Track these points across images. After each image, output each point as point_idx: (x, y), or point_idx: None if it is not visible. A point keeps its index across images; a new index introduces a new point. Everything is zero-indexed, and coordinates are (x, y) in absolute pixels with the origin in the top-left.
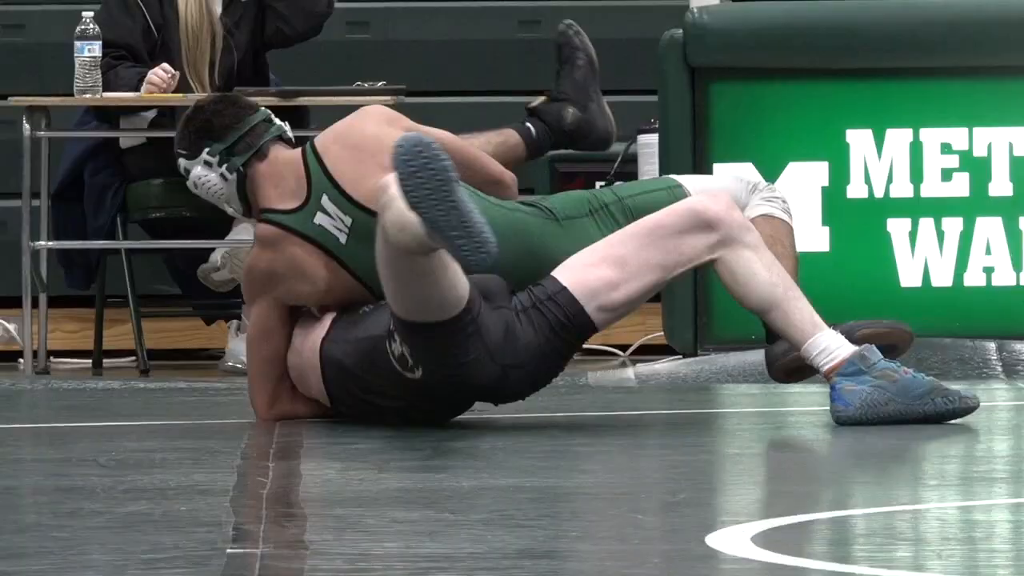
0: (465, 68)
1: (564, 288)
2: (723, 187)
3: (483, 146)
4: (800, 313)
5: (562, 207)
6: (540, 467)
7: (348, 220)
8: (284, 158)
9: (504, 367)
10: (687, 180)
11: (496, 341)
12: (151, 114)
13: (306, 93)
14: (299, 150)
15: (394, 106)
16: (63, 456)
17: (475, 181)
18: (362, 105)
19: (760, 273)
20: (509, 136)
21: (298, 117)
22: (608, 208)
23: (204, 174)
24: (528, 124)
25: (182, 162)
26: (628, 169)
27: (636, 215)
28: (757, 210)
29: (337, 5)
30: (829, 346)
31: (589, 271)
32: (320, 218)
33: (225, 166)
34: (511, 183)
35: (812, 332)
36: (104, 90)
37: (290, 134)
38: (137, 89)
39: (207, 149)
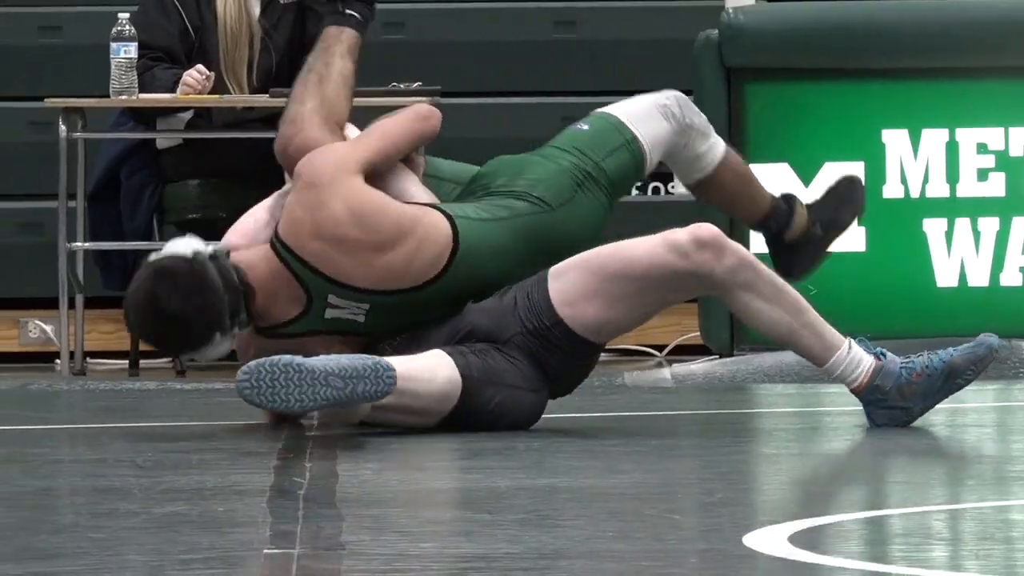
0: (500, 69)
1: (562, 321)
2: (646, 111)
3: None
4: (810, 340)
5: (554, 194)
6: (576, 467)
7: (365, 305)
8: (263, 274)
9: (536, 391)
10: (619, 112)
11: (518, 377)
12: (188, 115)
13: None
14: (272, 258)
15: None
16: (100, 457)
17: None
18: (399, 107)
19: (763, 312)
20: None
21: None
22: (592, 178)
23: (227, 345)
24: None
25: (200, 350)
26: (664, 169)
27: (616, 184)
28: (716, 154)
29: None
30: (845, 370)
31: (587, 307)
32: (332, 312)
33: (237, 326)
34: (418, 167)
35: (826, 357)
36: (141, 91)
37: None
38: (173, 90)
39: (218, 333)
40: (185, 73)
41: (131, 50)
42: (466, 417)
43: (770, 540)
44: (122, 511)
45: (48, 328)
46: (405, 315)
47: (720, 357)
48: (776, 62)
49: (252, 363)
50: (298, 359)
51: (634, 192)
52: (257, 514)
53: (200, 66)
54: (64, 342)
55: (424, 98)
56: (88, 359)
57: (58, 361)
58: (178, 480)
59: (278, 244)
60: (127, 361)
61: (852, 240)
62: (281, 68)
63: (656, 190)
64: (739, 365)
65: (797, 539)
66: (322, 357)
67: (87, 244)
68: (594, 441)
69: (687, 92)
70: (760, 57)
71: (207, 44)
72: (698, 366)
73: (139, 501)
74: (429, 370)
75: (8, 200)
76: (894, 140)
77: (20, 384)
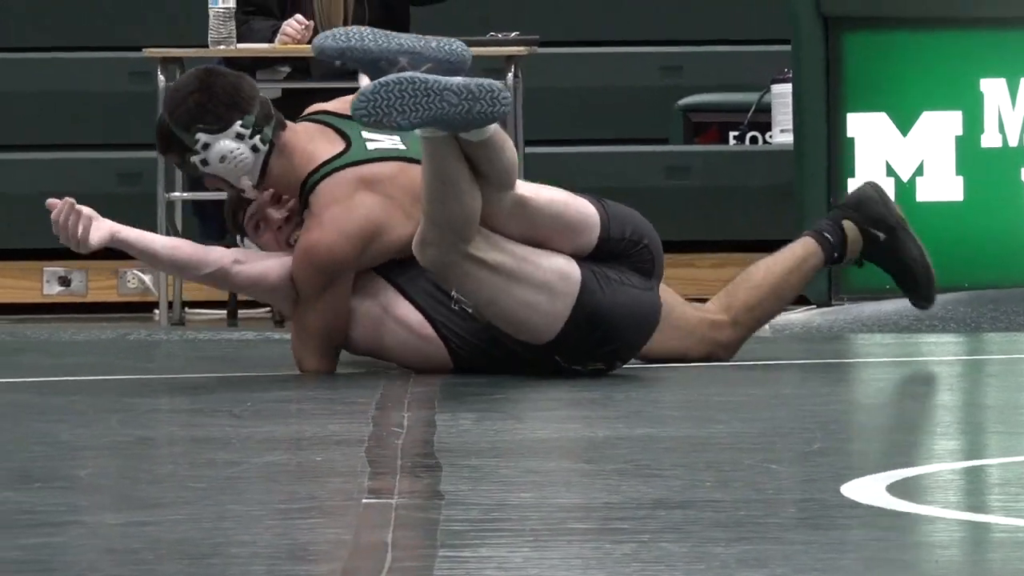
0: (597, 18)
1: None
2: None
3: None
4: None
5: None
6: (674, 417)
7: (397, 136)
8: (299, 126)
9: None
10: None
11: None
12: (285, 70)
13: None
14: (304, 123)
15: (527, 56)
16: (198, 407)
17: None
18: (495, 56)
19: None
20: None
21: None
22: None
23: (235, 147)
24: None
25: (202, 137)
26: (762, 119)
27: None
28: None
29: None
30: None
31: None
32: (372, 144)
33: (258, 137)
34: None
35: None
36: (239, 43)
37: None
38: (271, 41)
39: (239, 122)
40: (285, 23)
41: (229, 1)
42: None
43: (868, 490)
44: (221, 461)
45: (146, 278)
46: None
47: (818, 307)
48: (874, 11)
49: (369, 85)
50: (418, 74)
51: (732, 141)
52: (355, 463)
53: (299, 16)
54: (162, 292)
55: (522, 48)
56: (186, 309)
57: (156, 311)
58: (276, 430)
59: (303, 117)
60: (225, 311)
61: (950, 189)
62: (375, 19)
63: (754, 140)
64: (837, 315)
65: (895, 488)
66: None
67: (185, 194)
68: (692, 391)
69: (784, 42)
70: (858, 6)
71: (293, 6)
72: (797, 316)
73: (237, 451)
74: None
75: (108, 150)
76: (992, 89)
77: (119, 334)
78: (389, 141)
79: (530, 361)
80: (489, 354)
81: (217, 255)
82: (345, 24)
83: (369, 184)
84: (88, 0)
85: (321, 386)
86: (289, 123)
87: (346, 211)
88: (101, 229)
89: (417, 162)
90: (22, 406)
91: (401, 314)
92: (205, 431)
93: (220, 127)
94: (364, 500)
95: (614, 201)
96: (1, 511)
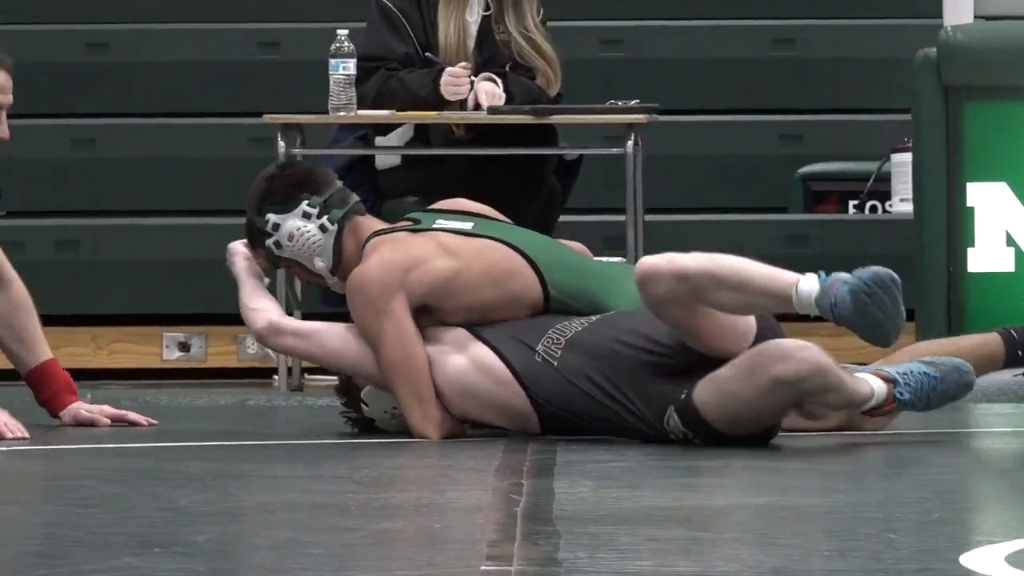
0: (718, 86)
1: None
2: None
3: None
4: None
5: None
6: (793, 485)
7: (470, 224)
8: (372, 218)
9: None
10: None
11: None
12: (408, 134)
13: (558, 111)
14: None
15: (647, 124)
16: (317, 473)
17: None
18: (615, 123)
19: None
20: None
21: (547, 136)
22: None
23: (302, 225)
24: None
25: (271, 217)
26: (882, 188)
27: None
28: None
29: (591, 24)
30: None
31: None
32: (440, 224)
33: (326, 217)
34: None
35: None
36: (387, 100)
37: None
38: (434, 88)
39: (306, 201)
40: (447, 69)
41: (349, 67)
42: None
43: (987, 560)
44: (339, 527)
45: None
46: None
47: None
48: (995, 80)
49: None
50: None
51: (851, 210)
52: (474, 530)
53: (464, 63)
54: (282, 358)
55: (642, 115)
56: (305, 375)
57: (276, 377)
58: (394, 496)
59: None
60: (336, 370)
61: None
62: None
63: (874, 208)
64: None
65: (1014, 559)
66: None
67: None
68: (810, 459)
69: (905, 111)
70: (978, 75)
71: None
72: None
73: (356, 517)
74: None
75: (228, 216)
76: None
77: (238, 400)
78: (458, 224)
79: (614, 419)
80: (569, 406)
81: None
82: (463, 101)
83: (421, 232)
84: (209, 67)
85: (439, 453)
86: (366, 213)
87: (391, 245)
88: (238, 254)
89: (478, 235)
90: (141, 471)
91: (484, 362)
92: (323, 497)
93: (288, 206)
94: (483, 567)
95: None
96: None
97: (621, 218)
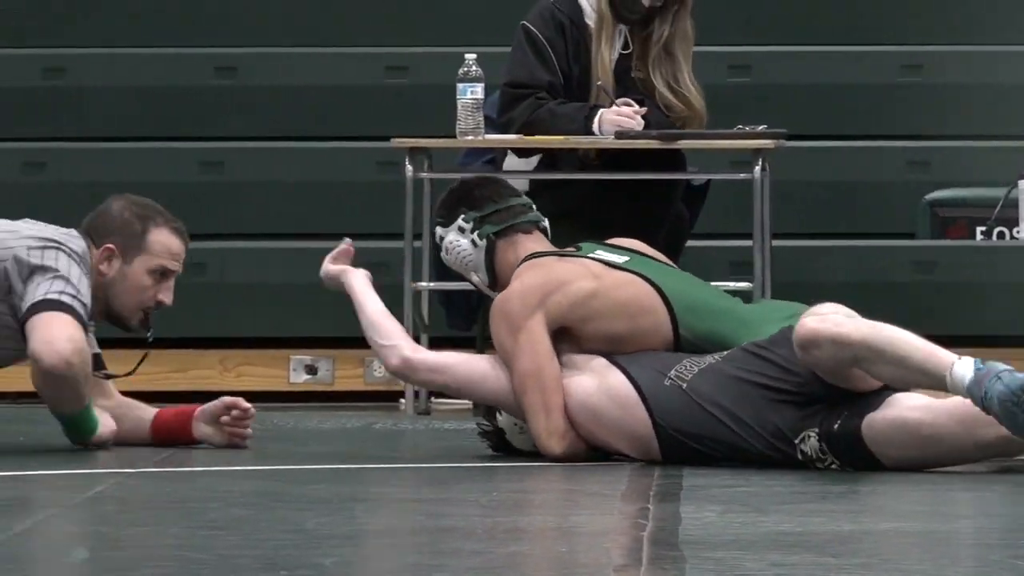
0: (845, 112)
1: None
2: None
3: None
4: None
5: None
6: (920, 512)
7: (625, 258)
8: (536, 233)
9: None
10: None
11: None
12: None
13: (686, 136)
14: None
15: (775, 149)
16: (443, 496)
17: None
18: (743, 149)
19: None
20: None
21: (675, 161)
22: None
23: (456, 240)
24: None
25: (438, 230)
26: (1009, 215)
27: None
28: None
29: (720, 49)
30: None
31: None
32: (598, 254)
33: (476, 233)
34: None
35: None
36: (537, 128)
37: (545, 224)
38: (586, 127)
39: (462, 216)
40: (610, 111)
41: (477, 91)
42: None
43: None
44: (465, 551)
45: None
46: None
47: None
48: None
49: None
50: None
51: (979, 236)
52: (600, 555)
53: (628, 99)
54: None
55: (769, 141)
56: (432, 399)
57: (403, 400)
58: (521, 520)
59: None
60: (471, 401)
61: None
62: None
63: (1001, 235)
64: None
65: None
66: None
67: (432, 284)
68: (936, 486)
69: None
70: None
71: (571, 96)
72: None
73: (482, 541)
74: None
75: (355, 240)
76: None
77: (365, 423)
78: (614, 257)
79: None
80: (691, 428)
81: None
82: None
83: (572, 258)
84: (338, 91)
85: (566, 477)
86: (533, 233)
87: (535, 271)
88: (339, 263)
89: (625, 269)
90: (268, 494)
91: (612, 385)
92: (450, 521)
93: (448, 220)
94: None
95: (863, 300)
96: None
97: (748, 243)
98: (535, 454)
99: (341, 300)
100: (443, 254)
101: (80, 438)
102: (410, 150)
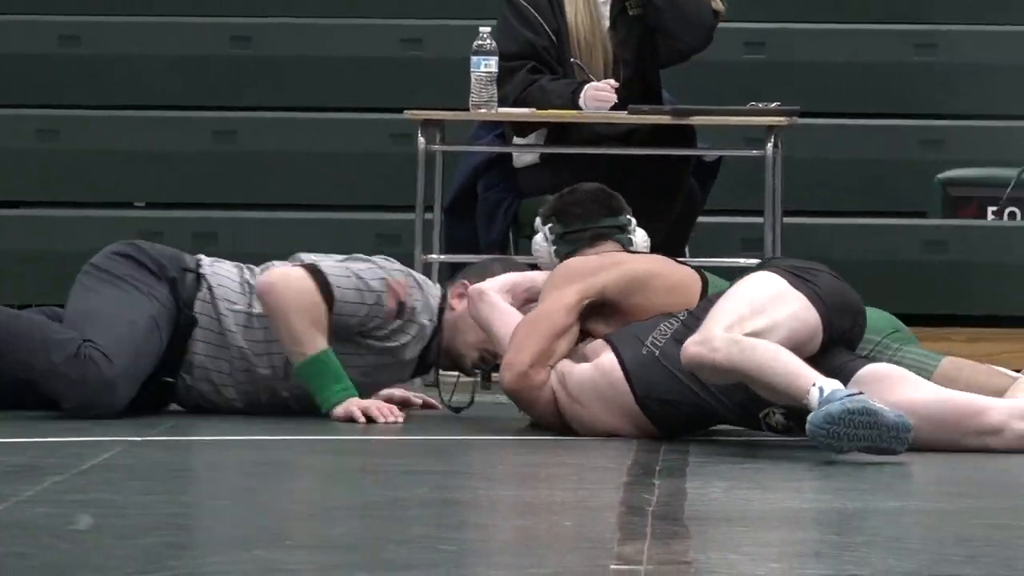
0: (859, 90)
1: None
2: None
3: None
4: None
5: None
6: (925, 491)
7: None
8: (614, 247)
9: None
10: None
11: None
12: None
13: (699, 112)
14: None
15: (787, 126)
16: (450, 469)
17: None
18: (756, 125)
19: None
20: None
21: (687, 136)
22: None
23: (540, 242)
24: None
25: (537, 221)
26: (1021, 195)
27: None
28: None
29: (734, 25)
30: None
31: None
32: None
33: (555, 247)
34: None
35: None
36: (531, 106)
37: (642, 243)
38: (574, 102)
39: (550, 226)
40: (590, 87)
41: (491, 64)
42: None
43: None
44: (471, 524)
45: None
46: None
47: None
48: None
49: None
50: (875, 407)
51: (990, 216)
52: (605, 530)
53: (611, 80)
54: None
55: (783, 118)
56: (440, 371)
57: None
58: (527, 494)
59: None
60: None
61: None
62: (632, 83)
63: (1012, 215)
64: None
65: None
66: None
67: (443, 256)
68: (944, 466)
69: None
70: None
71: (562, 54)
72: None
73: (488, 514)
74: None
75: (367, 211)
76: None
77: None
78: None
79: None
80: (669, 396)
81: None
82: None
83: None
84: (352, 62)
85: (572, 451)
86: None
87: (604, 256)
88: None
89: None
90: (274, 465)
91: (603, 364)
92: (457, 494)
93: (544, 222)
94: (613, 566)
95: (873, 278)
96: (252, 569)
97: (759, 220)
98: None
99: None
100: (533, 244)
101: (318, 403)
102: (423, 122)
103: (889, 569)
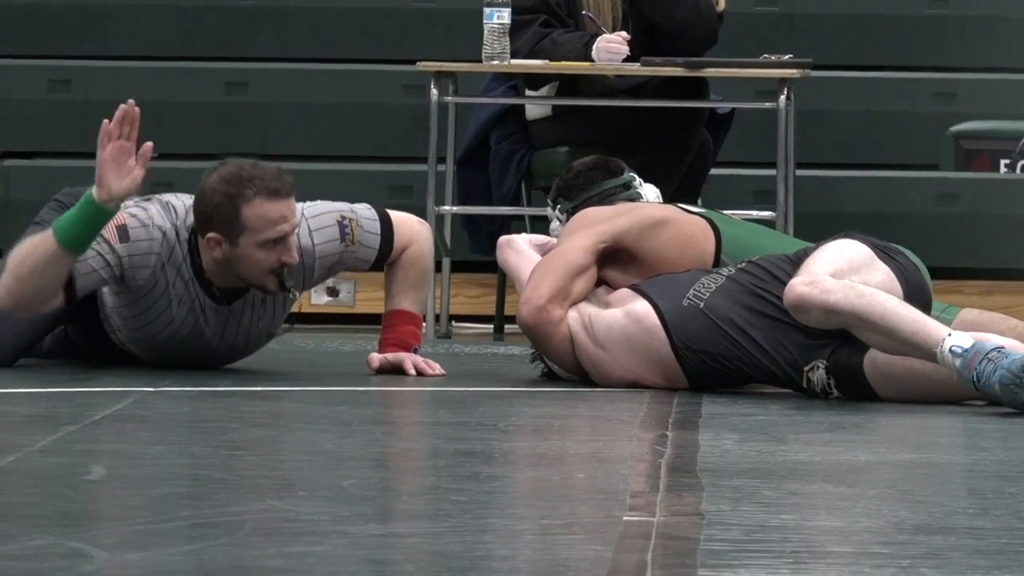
0: (872, 43)
1: None
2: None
3: None
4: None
5: None
6: (938, 443)
7: (702, 211)
8: None
9: None
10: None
11: None
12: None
13: (712, 64)
14: None
15: (800, 79)
16: (463, 420)
17: None
18: (768, 78)
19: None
20: None
21: (699, 88)
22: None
23: (555, 226)
24: None
25: (548, 210)
26: None
27: None
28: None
29: None
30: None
31: None
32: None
33: (558, 221)
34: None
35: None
36: (541, 58)
37: (652, 198)
38: (585, 55)
39: (559, 205)
40: (602, 39)
41: (504, 16)
42: None
43: None
44: (483, 475)
45: None
46: None
47: None
48: None
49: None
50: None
51: (1003, 169)
52: (618, 481)
53: (623, 32)
54: (430, 305)
55: (795, 70)
56: (453, 323)
57: (424, 324)
58: (539, 445)
59: None
60: (492, 325)
61: None
62: (643, 35)
63: None
64: None
65: None
66: None
67: (455, 208)
68: (956, 418)
69: None
70: None
71: (574, 7)
72: None
73: (500, 465)
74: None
75: (379, 162)
76: None
77: None
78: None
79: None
80: (710, 348)
81: None
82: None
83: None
84: (364, 13)
85: (585, 403)
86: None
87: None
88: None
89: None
90: (288, 415)
91: (635, 310)
92: (469, 445)
93: (552, 204)
94: (625, 518)
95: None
96: (265, 519)
97: (772, 172)
98: (575, 382)
99: None
100: (550, 230)
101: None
102: (436, 74)
103: (901, 521)
